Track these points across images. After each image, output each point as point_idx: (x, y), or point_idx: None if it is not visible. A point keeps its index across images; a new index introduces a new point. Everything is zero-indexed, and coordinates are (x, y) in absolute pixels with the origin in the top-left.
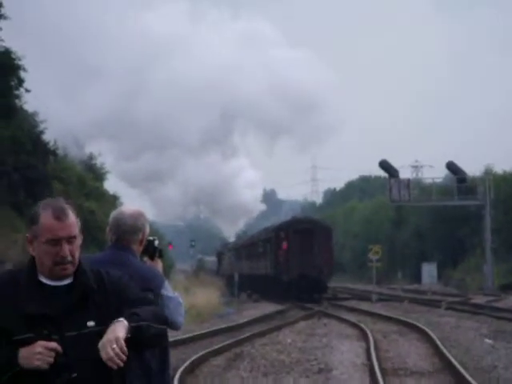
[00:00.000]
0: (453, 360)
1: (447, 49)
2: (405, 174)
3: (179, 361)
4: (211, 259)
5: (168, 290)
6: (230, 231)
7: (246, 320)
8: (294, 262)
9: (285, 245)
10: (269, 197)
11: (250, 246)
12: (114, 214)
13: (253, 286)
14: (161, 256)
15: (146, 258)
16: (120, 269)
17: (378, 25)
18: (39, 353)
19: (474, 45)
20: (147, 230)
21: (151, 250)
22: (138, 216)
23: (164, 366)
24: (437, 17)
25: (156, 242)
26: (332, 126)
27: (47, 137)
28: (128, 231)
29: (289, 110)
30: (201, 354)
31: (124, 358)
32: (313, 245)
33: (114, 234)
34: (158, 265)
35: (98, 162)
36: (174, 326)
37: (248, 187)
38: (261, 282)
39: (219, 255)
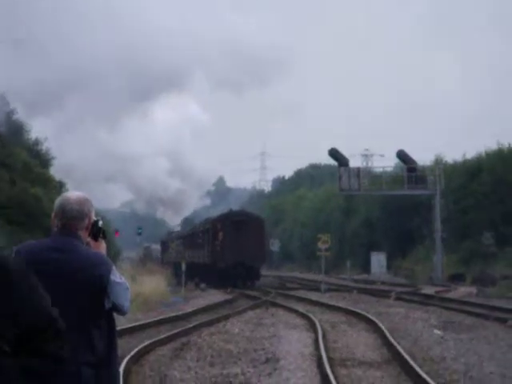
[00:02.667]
0: (401, 351)
1: (409, 37)
2: (355, 162)
3: (125, 350)
4: (158, 247)
5: (116, 275)
6: (175, 220)
7: (193, 309)
8: (229, 251)
9: (221, 235)
10: (217, 184)
11: (190, 236)
12: (59, 199)
13: (193, 273)
14: (104, 237)
15: (89, 239)
16: (68, 255)
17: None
18: None
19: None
20: (93, 215)
21: (95, 231)
22: (84, 201)
23: (111, 350)
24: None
25: (100, 223)
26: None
27: None
28: (74, 217)
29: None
30: (147, 343)
31: None
32: (247, 235)
33: (59, 220)
34: (102, 245)
35: (44, 147)
36: (122, 311)
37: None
38: (200, 269)
39: (163, 244)
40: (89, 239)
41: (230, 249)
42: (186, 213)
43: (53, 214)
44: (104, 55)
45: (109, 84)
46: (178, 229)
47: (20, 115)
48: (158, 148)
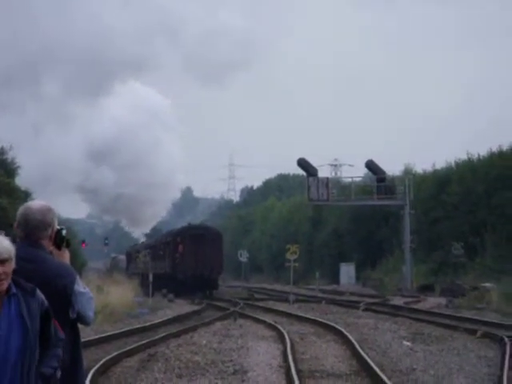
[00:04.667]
0: (370, 362)
1: (375, 45)
2: (324, 172)
3: (91, 361)
4: (125, 258)
5: (80, 285)
6: (141, 231)
7: (160, 320)
8: (188, 262)
9: (181, 248)
10: (184, 195)
11: (154, 248)
12: (21, 209)
13: (159, 284)
14: (68, 245)
15: (52, 247)
16: (32, 265)
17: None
18: None
19: (404, 41)
20: (56, 224)
21: (58, 239)
22: (47, 211)
23: (76, 361)
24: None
25: (63, 232)
26: None
27: None
28: (37, 227)
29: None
30: (114, 354)
31: None
32: (205, 248)
33: (22, 231)
34: (65, 254)
35: (10, 156)
36: (86, 321)
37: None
38: (163, 280)
39: (128, 255)
40: (52, 248)
41: (189, 261)
42: (153, 224)
43: (15, 224)
44: (55, 43)
45: (60, 77)
46: (143, 240)
47: None
48: (115, 154)
